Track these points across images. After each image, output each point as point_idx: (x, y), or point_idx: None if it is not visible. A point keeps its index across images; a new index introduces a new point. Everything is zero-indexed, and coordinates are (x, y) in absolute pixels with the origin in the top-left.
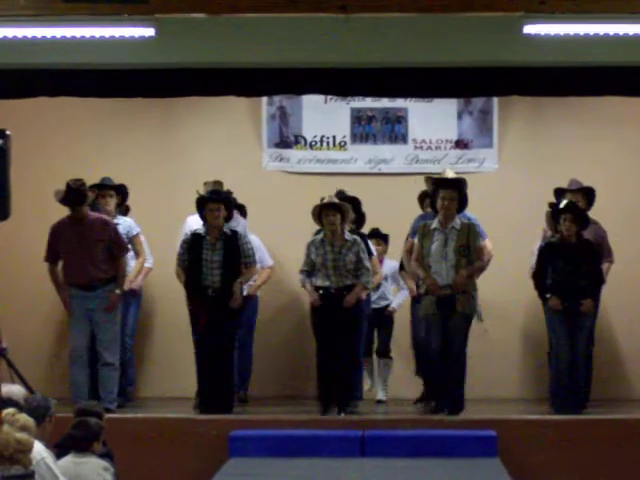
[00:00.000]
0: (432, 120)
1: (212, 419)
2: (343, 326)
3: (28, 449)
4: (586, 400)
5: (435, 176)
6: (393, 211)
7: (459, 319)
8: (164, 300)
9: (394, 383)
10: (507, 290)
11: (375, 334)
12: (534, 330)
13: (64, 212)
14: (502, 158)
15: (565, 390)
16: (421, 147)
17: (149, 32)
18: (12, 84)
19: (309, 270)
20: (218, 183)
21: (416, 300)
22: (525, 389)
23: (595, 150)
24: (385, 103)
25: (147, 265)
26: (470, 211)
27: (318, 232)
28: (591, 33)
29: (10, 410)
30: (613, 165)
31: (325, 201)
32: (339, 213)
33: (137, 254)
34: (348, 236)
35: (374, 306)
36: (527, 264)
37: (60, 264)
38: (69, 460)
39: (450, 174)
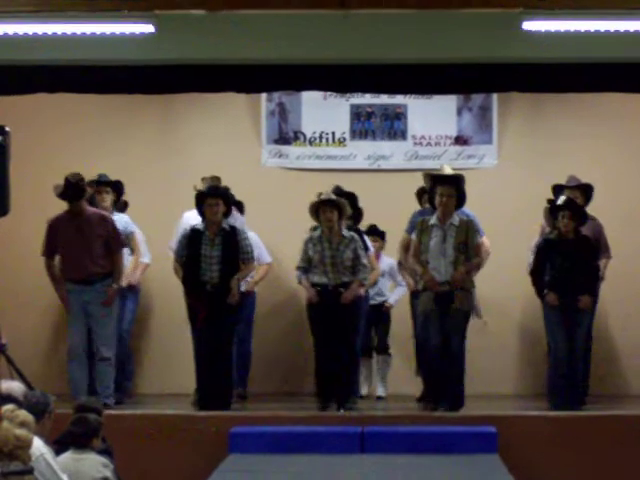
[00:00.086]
0: (431, 116)
1: (211, 415)
2: (341, 323)
3: (27, 445)
4: (584, 395)
5: (433, 172)
6: (392, 207)
7: (457, 315)
8: (162, 296)
9: (393, 380)
10: (506, 286)
11: (373, 331)
12: (532, 326)
13: (63, 208)
14: (501, 154)
15: (563, 386)
16: (420, 143)
17: (148, 28)
18: (12, 80)
19: (306, 266)
20: (216, 179)
21: (414, 296)
22: (522, 385)
23: (594, 146)
24: (384, 99)
25: (145, 261)
26: (469, 207)
27: (315, 228)
28: (590, 29)
29: (9, 406)
30: (612, 161)
31: (322, 197)
32: (336, 209)
33: (132, 251)
34: (346, 233)
35: (371, 302)
36: (525, 260)
37: (57, 259)
38: (68, 456)
39: (448, 170)
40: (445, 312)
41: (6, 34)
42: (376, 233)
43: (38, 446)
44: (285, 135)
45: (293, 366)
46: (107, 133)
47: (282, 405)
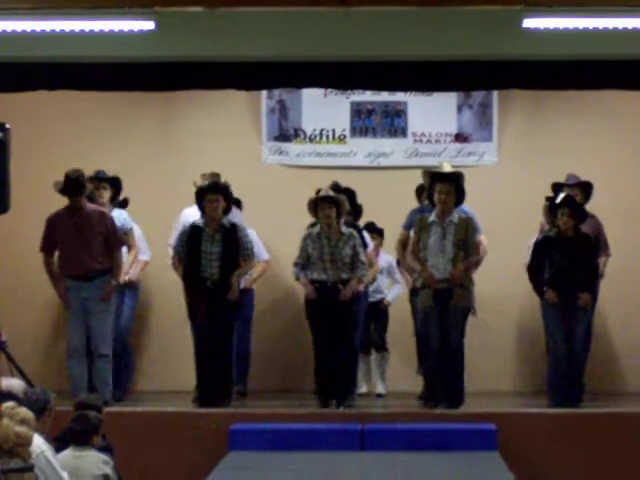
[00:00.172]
0: (432, 113)
1: (211, 413)
2: (340, 320)
3: (27, 442)
4: (581, 393)
5: (432, 170)
6: (392, 205)
7: (456, 312)
8: (162, 293)
9: (393, 377)
10: (505, 284)
11: (372, 328)
12: (531, 324)
13: (63, 204)
14: (501, 152)
15: (563, 385)
16: (421, 140)
17: (149, 25)
18: (12, 77)
19: (303, 263)
20: (215, 175)
21: (414, 294)
22: (521, 383)
23: (594, 144)
24: (385, 97)
25: (145, 258)
26: (469, 204)
27: (313, 225)
28: (591, 27)
29: (9, 404)
30: (612, 159)
31: (321, 194)
32: (335, 206)
33: (130, 248)
34: (344, 229)
35: (369, 300)
36: (525, 258)
37: (55, 255)
38: (69, 454)
39: (447, 168)
40: (444, 309)
41: (6, 31)
42: (374, 230)
43: (38, 443)
44: (285, 132)
45: (291, 363)
46: (107, 130)
47: (282, 402)
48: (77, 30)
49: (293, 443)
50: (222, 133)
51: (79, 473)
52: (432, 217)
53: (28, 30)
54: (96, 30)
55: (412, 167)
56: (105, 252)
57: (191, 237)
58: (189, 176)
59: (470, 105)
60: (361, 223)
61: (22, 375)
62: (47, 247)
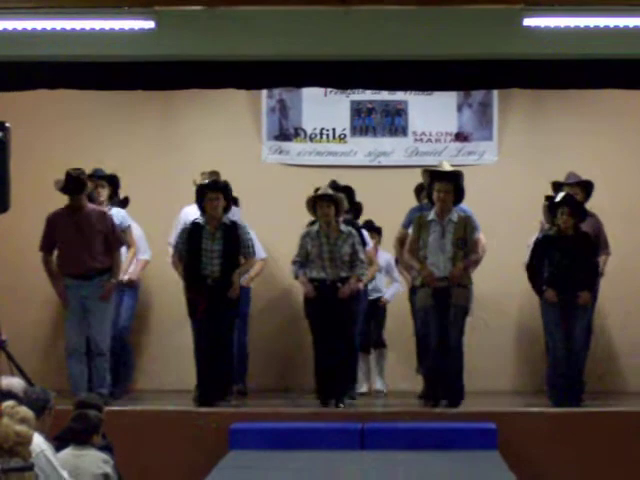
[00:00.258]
0: (432, 113)
1: (211, 412)
2: (339, 318)
3: (27, 441)
4: (581, 393)
5: (431, 169)
6: (393, 204)
7: (456, 311)
8: (162, 292)
9: (392, 376)
10: (504, 283)
11: (371, 326)
12: (530, 324)
13: (63, 203)
14: (502, 151)
15: (563, 383)
16: (421, 140)
17: (149, 24)
18: (12, 76)
19: (302, 261)
20: (215, 173)
21: (412, 292)
22: (520, 382)
23: (594, 143)
24: (385, 96)
25: (145, 257)
26: (470, 203)
27: (312, 223)
28: (591, 25)
29: (9, 403)
30: (612, 158)
31: (319, 192)
32: (333, 204)
33: (128, 246)
34: (343, 228)
35: (368, 298)
36: (525, 257)
37: (54, 254)
38: (69, 453)
39: (447, 167)
40: (443, 308)
41: (6, 30)
42: (372, 229)
43: (38, 442)
44: (285, 131)
45: (289, 362)
46: (107, 129)
47: (282, 401)
48: (77, 29)
49: (293, 442)
50: (222, 132)
51: (79, 472)
52: (431, 215)
53: (29, 29)
54: (96, 29)
55: (412, 166)
56: (105, 251)
57: (192, 235)
58: (189, 175)
59: (470, 104)
60: (360, 221)
61: (22, 374)
62: (46, 246)
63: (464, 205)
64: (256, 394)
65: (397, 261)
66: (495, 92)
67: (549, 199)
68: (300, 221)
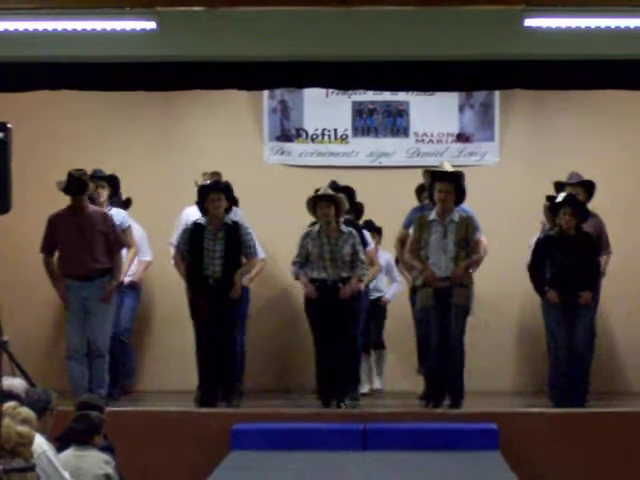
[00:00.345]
0: (433, 113)
1: (213, 412)
2: (340, 318)
3: (29, 442)
4: (585, 393)
5: (432, 169)
6: (394, 204)
7: (457, 311)
8: (164, 293)
9: (394, 377)
10: (506, 284)
11: (372, 327)
12: (532, 324)
13: (65, 205)
14: (503, 152)
15: (564, 383)
16: (422, 140)
17: (151, 25)
18: (14, 77)
19: (302, 262)
20: (216, 174)
21: (413, 292)
22: (521, 382)
23: (596, 144)
24: (386, 96)
25: (147, 258)
26: (471, 204)
27: (314, 224)
28: (592, 26)
29: (11, 403)
30: (613, 159)
31: (319, 193)
32: (333, 205)
33: (128, 247)
34: (344, 228)
35: (369, 298)
36: (526, 257)
37: (55, 255)
38: (70, 453)
39: (447, 167)
40: (444, 308)
41: (7, 31)
42: (372, 229)
43: (40, 443)
44: (287, 132)
45: (288, 362)
46: (109, 130)
47: (283, 402)
48: (79, 30)
49: (295, 443)
50: (224, 133)
51: (80, 473)
52: (432, 215)
53: (30, 30)
54: (98, 30)
55: (414, 167)
56: (106, 252)
57: (194, 235)
58: (191, 176)
59: (472, 105)
60: (361, 222)
61: (24, 375)
62: (47, 247)
63: (465, 205)
64: (256, 394)
65: (397, 261)
66: (497, 93)
67: (550, 199)
68: (301, 222)
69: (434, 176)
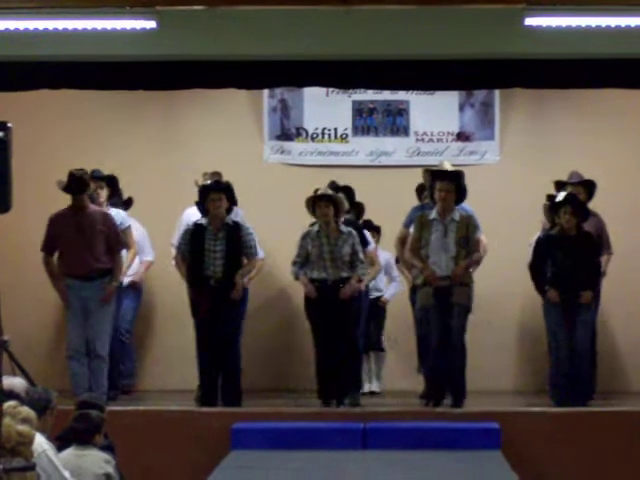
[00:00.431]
0: (434, 112)
1: (213, 412)
2: (340, 318)
3: (29, 441)
4: (592, 392)
5: (432, 168)
6: (394, 204)
7: (458, 310)
8: (165, 292)
9: (393, 376)
10: (506, 283)
11: (371, 328)
12: (532, 323)
13: (65, 204)
14: (504, 151)
15: (565, 383)
16: (423, 139)
17: (151, 24)
18: (14, 76)
19: (302, 262)
20: (216, 174)
21: (413, 291)
22: (522, 382)
23: (596, 143)
24: (387, 95)
25: (148, 258)
26: (472, 203)
27: (314, 224)
28: (592, 25)
29: (11, 403)
30: (613, 158)
31: (318, 193)
32: (332, 205)
33: (128, 247)
34: (343, 228)
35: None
36: (526, 256)
37: (55, 255)
38: (70, 453)
39: (447, 166)
40: (445, 307)
41: (8, 30)
42: (371, 228)
43: (40, 442)
44: (287, 131)
45: (288, 361)
46: (109, 129)
47: (283, 401)
48: (79, 29)
49: (295, 442)
50: (224, 132)
51: (81, 472)
52: (433, 215)
53: (30, 29)
54: (98, 29)
55: (414, 166)
56: (106, 252)
57: (194, 236)
58: (191, 175)
59: (472, 104)
60: (360, 221)
61: (24, 374)
62: (48, 247)
63: (465, 205)
64: (256, 394)
65: (398, 260)
66: (497, 92)
67: (551, 198)
68: (302, 221)
69: (434, 175)
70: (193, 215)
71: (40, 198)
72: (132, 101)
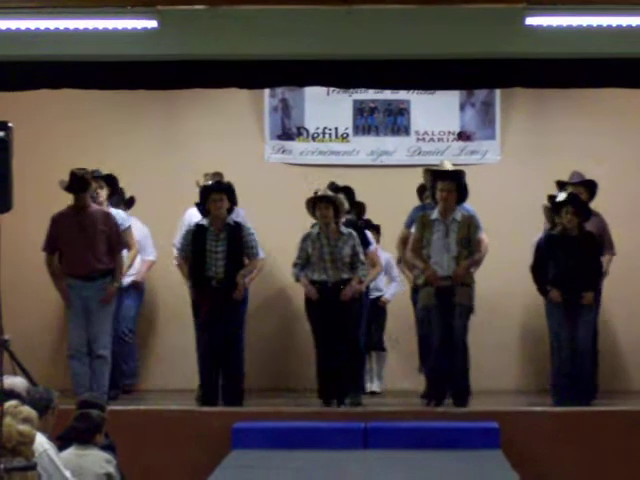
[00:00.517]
0: (434, 112)
1: (214, 411)
2: (341, 320)
3: (30, 441)
4: (595, 392)
5: (432, 168)
6: (395, 203)
7: (460, 310)
8: (167, 292)
9: (395, 375)
10: (508, 282)
11: (372, 329)
12: (534, 323)
13: (66, 204)
14: (504, 150)
15: (567, 382)
16: (423, 139)
17: (152, 24)
18: (15, 76)
19: (302, 263)
20: (218, 174)
21: (415, 291)
22: (524, 381)
23: (597, 142)
24: (387, 95)
25: (150, 258)
26: (472, 202)
27: (315, 225)
28: (593, 24)
29: (12, 402)
30: (615, 158)
31: (318, 194)
32: (332, 206)
33: (129, 247)
34: (343, 229)
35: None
36: (528, 256)
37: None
38: (71, 452)
39: (448, 166)
40: (447, 307)
41: (9, 29)
42: (370, 227)
43: (41, 442)
44: (288, 131)
45: (288, 360)
46: (110, 129)
47: (284, 401)
48: (80, 29)
49: (296, 441)
50: (225, 132)
51: (82, 472)
52: (434, 215)
53: (32, 29)
54: (99, 28)
55: (415, 165)
56: (108, 252)
57: (196, 236)
58: (192, 175)
59: (473, 103)
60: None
61: (25, 374)
62: (49, 247)
63: (467, 204)
64: (257, 393)
65: (399, 260)
66: (498, 91)
67: (552, 198)
68: (303, 220)
69: (435, 175)
70: (195, 215)
71: (41, 198)
72: (133, 101)
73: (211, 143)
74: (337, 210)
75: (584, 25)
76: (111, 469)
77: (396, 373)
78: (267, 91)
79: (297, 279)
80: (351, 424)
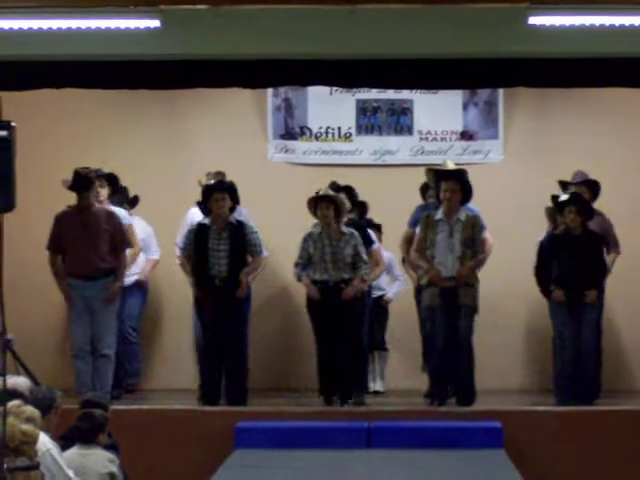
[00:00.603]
0: (437, 111)
1: (217, 411)
2: (343, 319)
3: (33, 440)
4: (598, 391)
5: (435, 168)
6: (398, 202)
7: (464, 311)
8: (171, 292)
9: (397, 375)
10: (511, 282)
11: (375, 328)
12: (538, 322)
13: (68, 203)
14: (507, 150)
15: (570, 382)
16: (426, 138)
17: (154, 23)
18: (17, 76)
19: (304, 263)
20: (220, 174)
21: (418, 291)
22: (527, 381)
23: (600, 142)
24: (390, 94)
25: (154, 257)
26: (475, 202)
27: (317, 224)
28: (596, 24)
29: (15, 402)
30: (617, 157)
31: (320, 194)
32: (333, 206)
33: (130, 245)
34: (345, 229)
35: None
36: (531, 256)
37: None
38: (74, 452)
39: (451, 166)
40: (451, 307)
41: (11, 29)
42: (372, 226)
43: (44, 441)
44: (291, 130)
45: (291, 360)
46: (112, 128)
47: (287, 400)
48: (83, 28)
49: (299, 441)
50: (228, 131)
51: (85, 471)
52: (439, 215)
53: (34, 28)
54: (102, 28)
55: (418, 165)
56: (111, 251)
57: (198, 235)
58: (195, 174)
59: (476, 103)
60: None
61: (28, 373)
62: (53, 246)
63: (470, 204)
64: (260, 393)
65: (404, 260)
66: (500, 91)
67: (555, 198)
68: (305, 220)
69: (439, 175)
70: (197, 215)
71: (43, 197)
72: (136, 100)
73: (214, 143)
74: (338, 210)
75: (587, 25)
76: (114, 469)
77: (399, 373)
78: (270, 91)
79: (299, 279)
80: (354, 424)
